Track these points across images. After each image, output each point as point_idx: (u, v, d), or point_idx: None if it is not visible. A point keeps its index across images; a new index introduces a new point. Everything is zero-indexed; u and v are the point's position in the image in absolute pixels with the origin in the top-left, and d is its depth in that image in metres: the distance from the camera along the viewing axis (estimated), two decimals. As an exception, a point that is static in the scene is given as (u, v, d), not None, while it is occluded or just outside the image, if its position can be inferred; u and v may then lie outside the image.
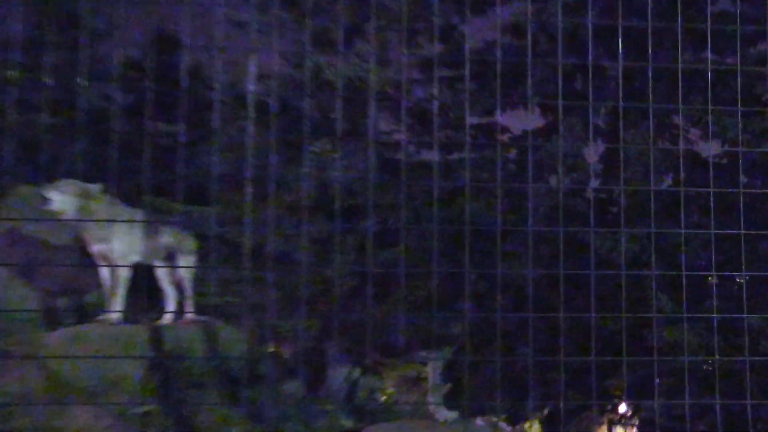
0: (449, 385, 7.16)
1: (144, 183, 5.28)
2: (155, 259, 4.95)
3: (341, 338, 6.98)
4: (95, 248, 4.72)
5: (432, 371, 7.26)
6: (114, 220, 4.75)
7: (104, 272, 4.81)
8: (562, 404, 6.24)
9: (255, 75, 6.14)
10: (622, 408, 8.09)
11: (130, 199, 5.04)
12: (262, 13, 6.68)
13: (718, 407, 4.85)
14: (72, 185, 4.58)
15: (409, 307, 6.53)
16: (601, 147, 8.06)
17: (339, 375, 7.12)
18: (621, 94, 5.18)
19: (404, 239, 6.33)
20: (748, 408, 3.05)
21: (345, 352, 7.09)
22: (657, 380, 5.56)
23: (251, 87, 6.15)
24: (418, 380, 7.83)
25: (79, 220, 4.60)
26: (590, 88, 6.49)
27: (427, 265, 5.98)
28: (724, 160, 7.56)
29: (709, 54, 5.49)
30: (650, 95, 2.77)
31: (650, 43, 2.62)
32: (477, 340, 5.95)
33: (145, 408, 4.40)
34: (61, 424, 4.02)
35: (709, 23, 4.11)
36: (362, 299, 6.33)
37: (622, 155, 6.91)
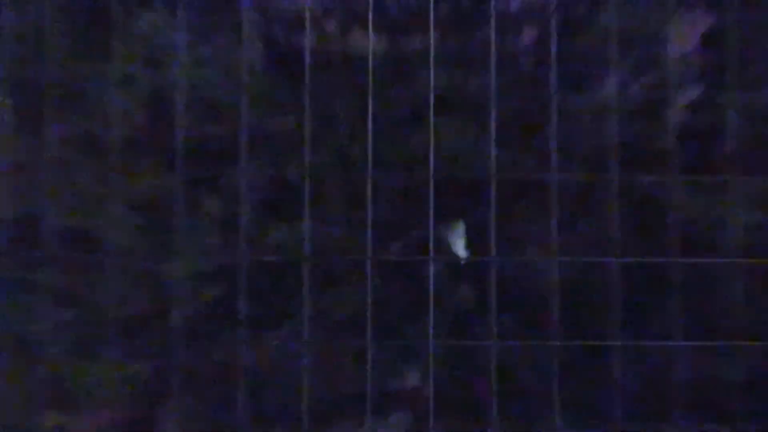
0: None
1: None
2: None
3: (189, 397, 6.35)
4: None
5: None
6: None
7: None
8: None
9: None
10: None
11: None
12: None
13: None
14: None
15: (325, 333, 6.07)
16: (698, 25, 7.33)
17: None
18: None
19: (313, 202, 5.94)
20: None
21: (195, 420, 6.51)
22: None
23: None
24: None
25: None
26: None
27: (359, 251, 5.72)
28: None
29: None
30: None
31: None
32: (455, 397, 5.66)
33: None
34: None
35: None
36: (231, 321, 5.97)
37: (736, 40, 6.59)
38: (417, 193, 5.39)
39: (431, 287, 5.26)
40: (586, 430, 5.54)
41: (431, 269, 5.33)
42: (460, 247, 5.68)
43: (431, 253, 5.32)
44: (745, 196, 6.02)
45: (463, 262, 5.67)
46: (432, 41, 6.25)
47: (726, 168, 6.14)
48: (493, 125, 5.59)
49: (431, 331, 5.43)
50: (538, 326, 5.52)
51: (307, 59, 6.36)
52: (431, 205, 5.02)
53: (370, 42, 6.49)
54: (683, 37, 6.94)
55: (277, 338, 6.10)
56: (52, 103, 5.72)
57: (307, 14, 6.68)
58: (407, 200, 5.46)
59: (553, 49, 6.40)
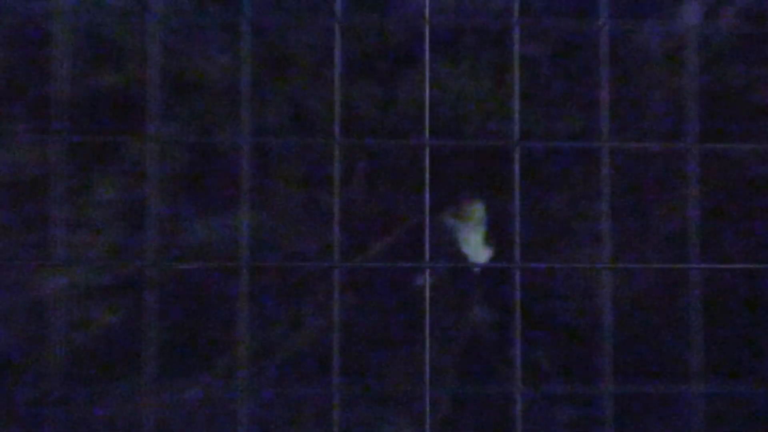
0: None
1: None
2: None
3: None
4: None
5: None
6: None
7: None
8: None
9: None
10: None
11: None
12: None
13: None
14: None
15: (272, 373, 5.21)
16: None
17: None
18: None
19: (254, 183, 5.11)
20: None
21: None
22: None
23: None
24: None
25: None
26: None
27: (323, 254, 4.91)
28: None
29: None
30: None
31: None
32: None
33: None
34: None
35: None
36: (137, 356, 5.13)
37: None
38: (406, 168, 4.51)
39: (427, 306, 4.41)
40: None
41: (426, 280, 4.44)
42: (476, 245, 4.81)
43: (427, 257, 4.41)
44: None
45: (476, 269, 4.90)
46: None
47: (755, 122, 4.97)
48: (516, 70, 4.62)
49: (427, 369, 4.58)
50: (583, 363, 4.60)
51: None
52: (426, 185, 4.28)
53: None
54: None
55: (201, 381, 5.12)
56: None
57: None
58: (392, 179, 4.57)
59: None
